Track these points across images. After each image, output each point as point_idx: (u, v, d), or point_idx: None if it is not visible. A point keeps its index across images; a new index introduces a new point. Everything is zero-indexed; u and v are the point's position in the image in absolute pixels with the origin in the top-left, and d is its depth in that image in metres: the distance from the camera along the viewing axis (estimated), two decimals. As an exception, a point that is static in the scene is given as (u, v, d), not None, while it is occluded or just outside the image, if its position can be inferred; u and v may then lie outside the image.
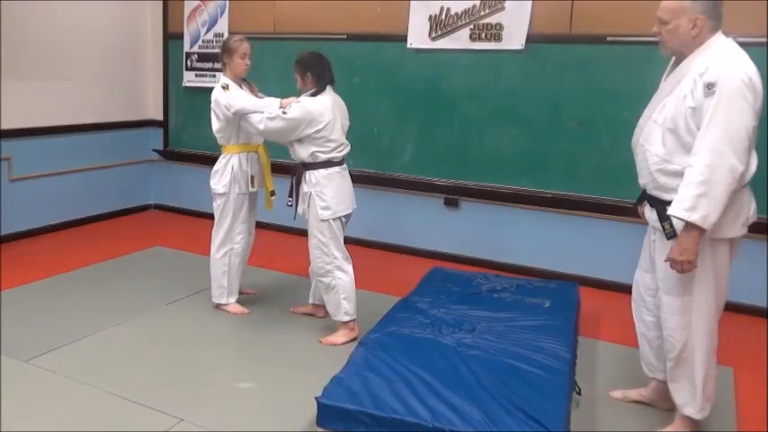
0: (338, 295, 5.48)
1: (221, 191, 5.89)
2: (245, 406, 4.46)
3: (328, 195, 5.39)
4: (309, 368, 4.95)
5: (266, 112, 5.34)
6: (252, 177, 5.92)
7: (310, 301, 6.00)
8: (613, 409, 4.60)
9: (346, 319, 5.53)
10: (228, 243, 5.96)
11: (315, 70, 5.43)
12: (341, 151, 5.46)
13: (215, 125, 5.87)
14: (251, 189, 5.94)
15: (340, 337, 5.54)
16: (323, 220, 5.40)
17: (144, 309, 5.97)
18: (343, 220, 5.55)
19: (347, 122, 5.62)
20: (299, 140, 5.35)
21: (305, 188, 5.44)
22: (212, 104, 5.79)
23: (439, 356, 4.61)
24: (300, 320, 5.86)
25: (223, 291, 5.97)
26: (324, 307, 5.76)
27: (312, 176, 5.39)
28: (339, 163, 5.47)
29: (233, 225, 5.93)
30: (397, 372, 4.37)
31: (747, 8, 5.89)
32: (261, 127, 5.36)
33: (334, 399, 4.04)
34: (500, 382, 4.29)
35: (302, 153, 5.37)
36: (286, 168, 5.85)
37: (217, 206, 5.98)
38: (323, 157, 5.36)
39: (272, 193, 5.90)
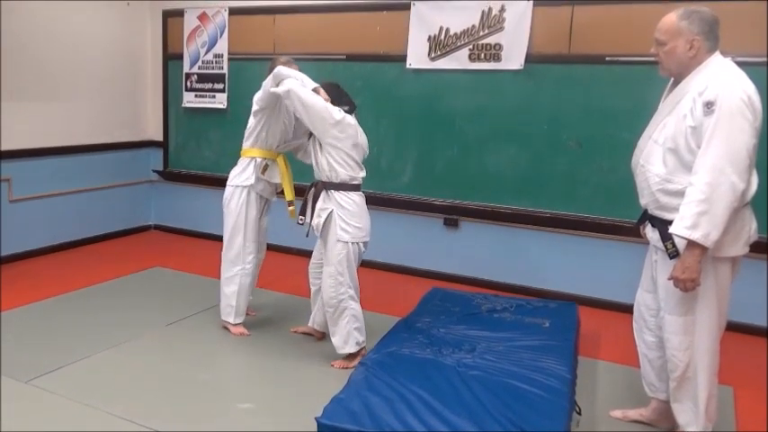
0: (350, 325, 5.33)
1: (245, 183, 5.81)
2: (245, 426, 4.43)
3: (349, 217, 5.25)
4: (310, 388, 4.94)
5: (302, 81, 5.33)
6: (273, 185, 5.94)
7: (310, 324, 5.98)
8: (613, 429, 4.58)
9: (356, 349, 5.40)
10: (240, 263, 5.88)
11: (332, 96, 5.35)
12: (360, 173, 5.36)
13: (253, 116, 5.90)
14: (270, 182, 5.92)
15: (351, 359, 5.44)
16: (342, 242, 5.23)
17: (144, 329, 5.96)
18: (362, 248, 5.38)
19: (367, 150, 5.55)
20: (321, 146, 5.27)
21: (325, 205, 5.29)
22: (257, 95, 5.78)
23: (439, 376, 4.61)
24: (301, 341, 5.85)
25: (231, 310, 5.93)
26: (321, 331, 5.84)
27: (334, 195, 5.26)
28: (358, 187, 5.36)
29: (245, 243, 5.86)
30: (398, 392, 4.37)
31: (745, 28, 5.91)
32: (291, 85, 5.24)
33: (334, 419, 4.04)
34: (500, 402, 4.29)
35: (324, 164, 5.25)
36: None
37: (230, 212, 5.87)
38: (343, 175, 5.23)
39: (291, 203, 5.81)
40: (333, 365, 5.41)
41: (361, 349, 5.45)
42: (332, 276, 5.27)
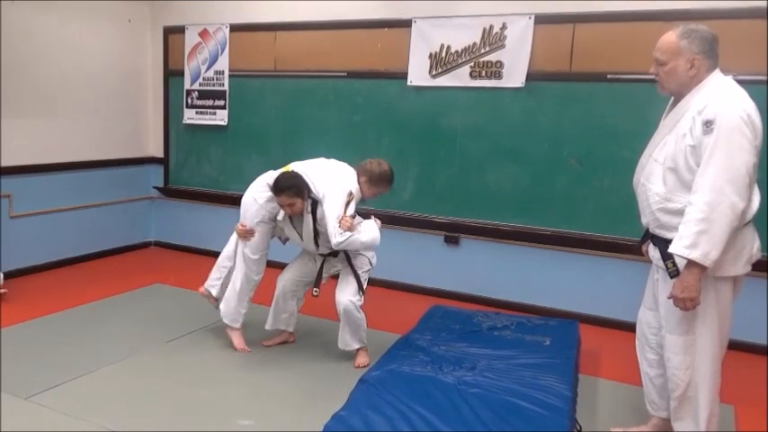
0: (363, 327, 5.74)
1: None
2: (244, 444, 4.44)
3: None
4: (310, 405, 4.92)
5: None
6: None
7: (290, 329, 6.13)
8: (614, 447, 4.58)
9: (361, 344, 5.76)
10: (257, 275, 5.99)
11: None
12: None
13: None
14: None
15: (365, 356, 5.78)
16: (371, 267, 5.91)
17: (144, 346, 5.94)
18: None
19: None
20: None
21: (349, 259, 5.77)
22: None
23: (439, 394, 4.61)
24: (299, 358, 5.83)
25: (238, 316, 5.97)
26: (292, 332, 6.15)
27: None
28: None
29: (263, 257, 5.96)
30: (398, 409, 4.37)
31: (745, 47, 5.92)
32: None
33: (334, 436, 4.04)
34: (501, 419, 4.29)
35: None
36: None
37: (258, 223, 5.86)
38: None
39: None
40: (356, 367, 5.67)
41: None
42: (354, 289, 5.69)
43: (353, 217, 5.49)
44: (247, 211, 5.77)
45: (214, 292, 6.08)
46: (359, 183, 5.61)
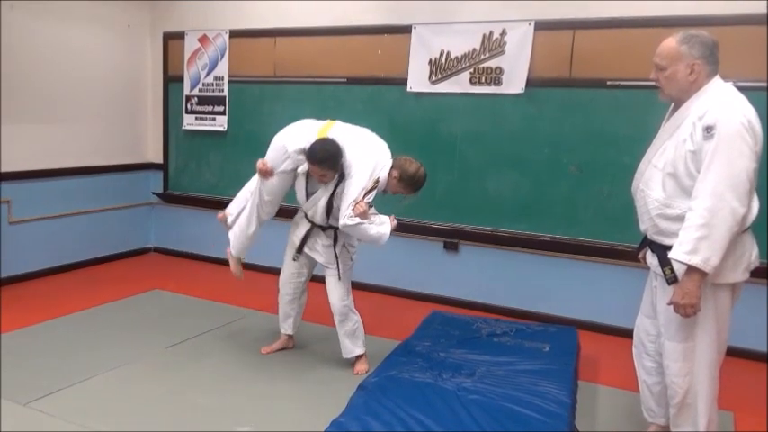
0: (361, 330, 5.75)
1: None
2: (243, 450, 4.43)
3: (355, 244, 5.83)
4: (309, 411, 4.92)
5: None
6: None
7: (290, 332, 6.10)
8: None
9: (363, 350, 5.76)
10: (266, 215, 5.90)
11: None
12: None
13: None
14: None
15: (364, 362, 5.75)
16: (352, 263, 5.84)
17: (143, 352, 5.93)
18: None
19: None
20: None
21: (335, 243, 5.70)
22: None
23: (438, 401, 4.61)
24: (298, 364, 5.83)
25: (242, 247, 5.94)
26: (292, 336, 6.12)
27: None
28: None
29: (277, 201, 5.85)
30: (397, 416, 4.37)
31: (746, 53, 5.92)
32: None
33: (333, 443, 4.04)
34: (500, 426, 4.29)
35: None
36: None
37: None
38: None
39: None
40: (355, 374, 5.63)
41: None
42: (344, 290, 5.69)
43: (370, 206, 5.40)
44: (275, 154, 5.54)
45: (229, 221, 5.96)
46: (389, 174, 5.45)
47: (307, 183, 5.62)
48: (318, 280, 5.88)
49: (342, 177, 5.38)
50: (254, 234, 5.82)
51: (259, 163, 5.53)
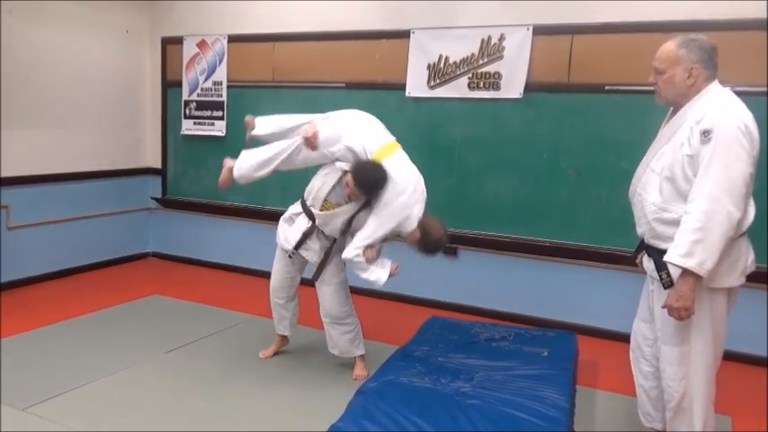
0: (359, 334, 5.76)
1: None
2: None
3: None
4: (308, 416, 4.92)
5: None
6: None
7: (286, 333, 6.09)
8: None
9: (363, 351, 5.77)
10: (283, 165, 5.68)
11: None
12: None
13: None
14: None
15: (363, 367, 5.76)
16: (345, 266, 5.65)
17: (142, 357, 5.93)
18: None
19: None
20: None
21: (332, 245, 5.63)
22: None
23: (437, 405, 4.61)
24: (297, 369, 5.83)
25: (246, 173, 5.67)
26: (286, 336, 6.10)
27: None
28: None
29: (301, 165, 5.69)
30: (396, 421, 4.37)
31: (746, 58, 5.92)
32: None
33: (331, 448, 4.04)
34: (499, 430, 4.28)
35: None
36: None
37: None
38: None
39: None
40: (354, 379, 5.61)
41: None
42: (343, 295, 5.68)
43: (379, 250, 5.40)
44: (329, 134, 5.39)
45: (254, 132, 5.72)
46: (412, 232, 5.29)
47: (334, 186, 5.44)
48: (312, 284, 5.85)
49: (369, 203, 5.31)
50: (259, 177, 5.65)
51: (310, 131, 5.36)
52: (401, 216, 5.17)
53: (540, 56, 6.90)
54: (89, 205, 8.83)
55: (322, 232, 5.56)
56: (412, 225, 5.22)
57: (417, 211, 5.23)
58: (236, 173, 5.63)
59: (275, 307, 5.96)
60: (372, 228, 5.19)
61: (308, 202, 5.56)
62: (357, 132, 5.39)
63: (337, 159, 5.42)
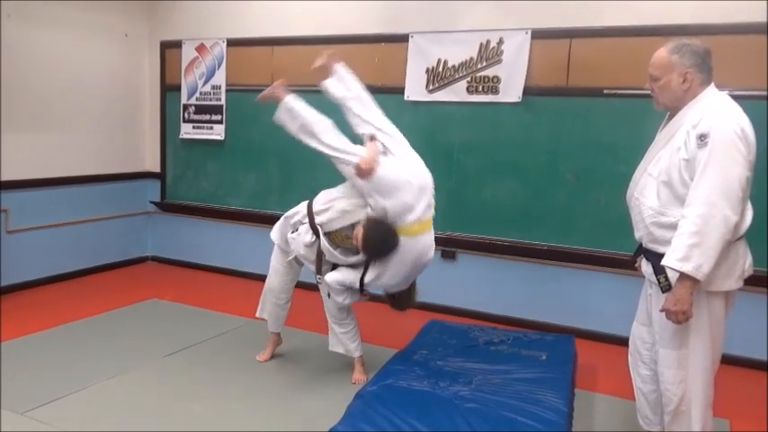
0: (357, 335, 5.76)
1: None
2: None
3: None
4: (306, 420, 4.92)
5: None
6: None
7: (279, 330, 6.12)
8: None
9: (361, 352, 5.75)
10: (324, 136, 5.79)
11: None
12: None
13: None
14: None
15: (362, 371, 5.73)
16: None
17: (141, 361, 5.93)
18: None
19: None
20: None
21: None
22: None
23: (436, 409, 4.62)
24: (295, 373, 5.83)
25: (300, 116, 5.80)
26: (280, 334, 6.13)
27: None
28: None
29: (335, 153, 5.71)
30: (394, 424, 4.38)
31: (744, 62, 5.93)
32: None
33: (330, 451, 4.05)
34: (497, 434, 4.29)
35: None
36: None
37: None
38: None
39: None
40: (354, 383, 5.58)
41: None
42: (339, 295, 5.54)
43: (361, 293, 5.48)
44: (383, 184, 5.28)
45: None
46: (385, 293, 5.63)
47: (353, 224, 5.34)
48: (312, 288, 5.86)
49: (367, 264, 5.35)
50: (299, 126, 5.75)
51: (369, 164, 5.28)
52: (392, 281, 5.39)
53: (539, 60, 6.90)
54: (88, 209, 8.84)
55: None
56: (398, 288, 5.48)
57: (408, 282, 5.55)
58: (293, 101, 5.76)
59: (274, 308, 5.95)
60: (366, 284, 5.37)
61: (318, 219, 5.43)
62: (404, 199, 5.30)
63: (368, 203, 5.32)
